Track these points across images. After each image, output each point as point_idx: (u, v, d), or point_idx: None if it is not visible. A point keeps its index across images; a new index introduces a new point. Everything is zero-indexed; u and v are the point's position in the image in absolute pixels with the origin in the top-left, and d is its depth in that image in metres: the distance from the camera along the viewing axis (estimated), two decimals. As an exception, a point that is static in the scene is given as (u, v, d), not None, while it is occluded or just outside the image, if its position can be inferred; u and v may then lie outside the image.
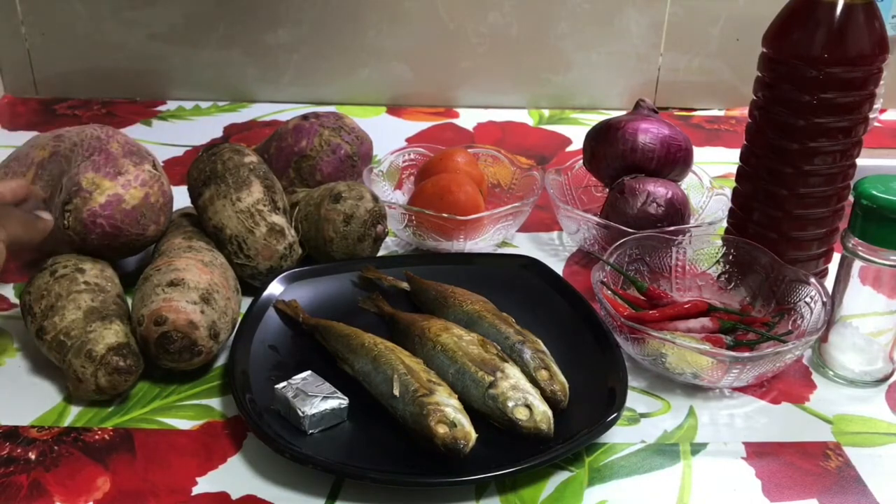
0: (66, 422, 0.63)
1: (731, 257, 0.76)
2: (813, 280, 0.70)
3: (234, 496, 0.57)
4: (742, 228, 0.78)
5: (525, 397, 0.60)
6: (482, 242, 0.84)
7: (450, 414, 0.58)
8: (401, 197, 0.92)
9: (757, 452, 0.62)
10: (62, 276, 0.68)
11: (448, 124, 1.17)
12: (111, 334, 0.64)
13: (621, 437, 0.63)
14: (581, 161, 0.91)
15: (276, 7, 1.16)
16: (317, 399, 0.61)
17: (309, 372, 0.64)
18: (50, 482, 0.58)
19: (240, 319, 0.70)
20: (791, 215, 0.74)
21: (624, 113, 0.91)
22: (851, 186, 0.69)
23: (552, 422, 0.60)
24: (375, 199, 0.78)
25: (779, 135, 0.72)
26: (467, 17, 1.17)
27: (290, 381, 0.62)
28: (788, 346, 0.64)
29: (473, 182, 0.85)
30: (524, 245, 0.88)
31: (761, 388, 0.68)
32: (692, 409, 0.66)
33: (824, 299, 0.68)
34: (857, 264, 0.66)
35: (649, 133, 0.85)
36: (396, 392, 0.61)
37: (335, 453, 0.58)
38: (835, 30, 0.67)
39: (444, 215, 0.80)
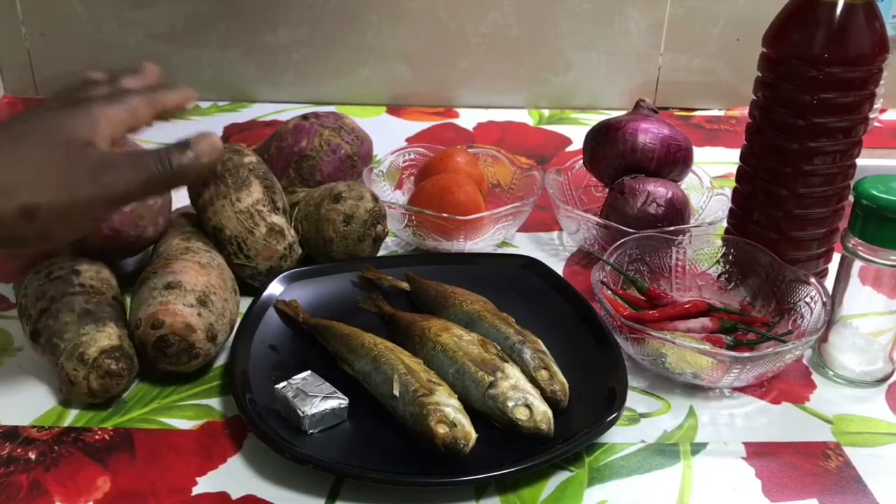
0: (66, 422, 0.63)
1: (731, 257, 0.76)
2: (813, 280, 0.70)
3: (234, 496, 0.57)
4: (742, 228, 0.78)
5: (525, 397, 0.60)
6: (482, 242, 0.84)
7: (450, 414, 0.58)
8: (401, 197, 0.91)
9: (757, 452, 0.62)
10: (57, 277, 0.67)
11: (448, 124, 1.16)
12: (104, 337, 0.63)
13: (621, 437, 0.63)
14: (581, 161, 0.91)
15: (276, 7, 1.15)
16: (317, 399, 0.61)
17: (309, 372, 0.64)
18: (50, 482, 0.58)
19: (239, 320, 0.70)
20: (791, 215, 0.74)
21: (624, 113, 0.91)
22: (851, 186, 0.69)
23: (552, 422, 0.60)
24: (375, 199, 0.78)
25: (779, 135, 0.72)
26: (467, 17, 1.17)
27: (290, 381, 0.62)
28: (788, 346, 0.64)
29: (473, 182, 0.85)
30: (524, 245, 0.88)
31: (761, 388, 0.68)
32: (692, 409, 0.66)
33: (824, 299, 0.68)
34: (857, 264, 0.66)
35: (649, 133, 0.85)
36: (396, 392, 0.61)
37: (335, 453, 0.58)
38: (835, 30, 0.67)
39: (444, 215, 0.80)
